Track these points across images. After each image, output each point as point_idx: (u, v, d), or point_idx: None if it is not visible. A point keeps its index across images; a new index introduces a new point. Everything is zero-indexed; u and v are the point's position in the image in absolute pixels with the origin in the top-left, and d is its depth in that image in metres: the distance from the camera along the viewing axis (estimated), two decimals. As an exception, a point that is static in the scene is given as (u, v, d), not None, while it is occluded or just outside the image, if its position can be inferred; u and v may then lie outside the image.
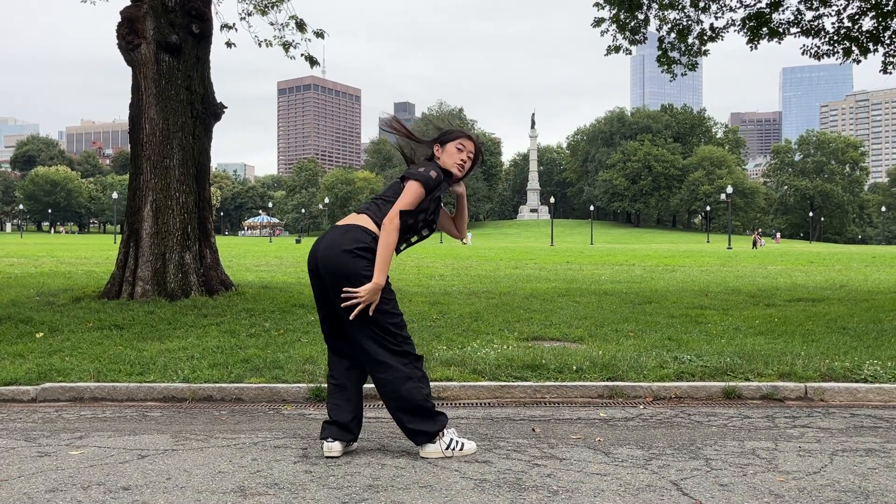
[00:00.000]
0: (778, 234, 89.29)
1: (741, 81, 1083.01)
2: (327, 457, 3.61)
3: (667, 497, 3.08)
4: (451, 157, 3.85)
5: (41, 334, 6.84)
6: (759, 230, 68.90)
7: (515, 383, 5.15)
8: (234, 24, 11.94)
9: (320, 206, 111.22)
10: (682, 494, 3.11)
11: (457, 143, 3.87)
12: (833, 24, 13.10)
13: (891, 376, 5.37)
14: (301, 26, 11.90)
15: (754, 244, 58.04)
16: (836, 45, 13.10)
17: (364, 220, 3.64)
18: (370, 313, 3.53)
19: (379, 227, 3.59)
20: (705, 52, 13.64)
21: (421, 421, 3.61)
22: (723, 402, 5.01)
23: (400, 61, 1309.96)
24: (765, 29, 13.00)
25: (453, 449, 3.64)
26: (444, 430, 3.66)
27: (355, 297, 3.50)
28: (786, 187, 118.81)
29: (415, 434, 3.63)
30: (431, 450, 3.62)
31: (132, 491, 3.12)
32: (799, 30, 13.13)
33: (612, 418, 4.55)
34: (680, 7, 13.20)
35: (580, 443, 3.94)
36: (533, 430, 4.23)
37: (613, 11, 13.18)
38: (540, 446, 3.86)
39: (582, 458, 3.65)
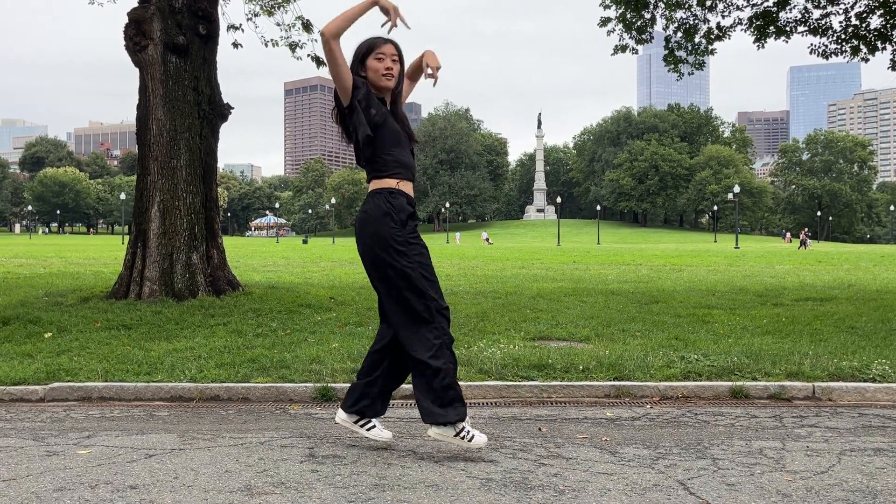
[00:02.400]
0: (788, 234, 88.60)
1: (748, 80, 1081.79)
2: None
3: (673, 496, 3.07)
4: (375, 71, 3.49)
5: (49, 334, 6.86)
6: (806, 230, 67.47)
7: (522, 383, 5.15)
8: (240, 25, 11.97)
9: (327, 207, 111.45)
10: (688, 494, 3.11)
11: (374, 54, 3.49)
12: (841, 22, 13.03)
13: (899, 376, 5.34)
14: (307, 27, 11.94)
15: (802, 244, 55.53)
16: (843, 43, 13.03)
17: (372, 185, 3.63)
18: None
19: (381, 178, 3.58)
20: (712, 51, 13.59)
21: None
22: (730, 402, 4.99)
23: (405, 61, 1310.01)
24: (772, 28, 12.95)
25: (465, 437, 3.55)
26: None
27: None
28: (793, 186, 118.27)
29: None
30: (439, 431, 3.55)
31: (139, 490, 3.14)
32: (806, 28, 13.07)
33: (619, 418, 4.54)
34: (686, 6, 13.16)
35: (586, 442, 3.94)
36: (539, 429, 4.23)
37: (620, 11, 13.15)
38: (546, 446, 3.86)
39: (588, 457, 3.65)
